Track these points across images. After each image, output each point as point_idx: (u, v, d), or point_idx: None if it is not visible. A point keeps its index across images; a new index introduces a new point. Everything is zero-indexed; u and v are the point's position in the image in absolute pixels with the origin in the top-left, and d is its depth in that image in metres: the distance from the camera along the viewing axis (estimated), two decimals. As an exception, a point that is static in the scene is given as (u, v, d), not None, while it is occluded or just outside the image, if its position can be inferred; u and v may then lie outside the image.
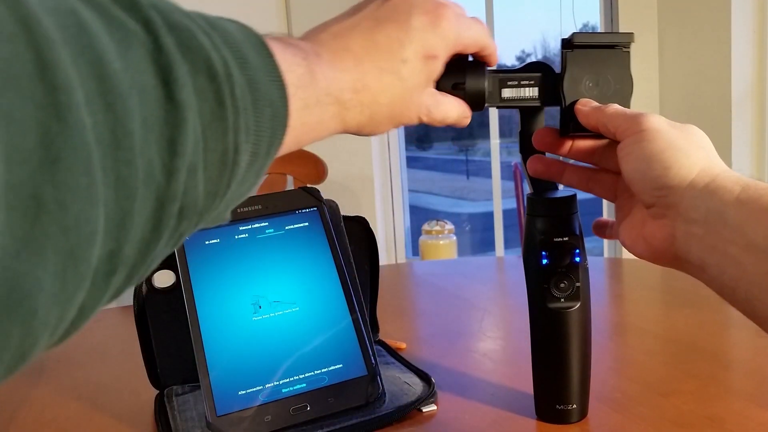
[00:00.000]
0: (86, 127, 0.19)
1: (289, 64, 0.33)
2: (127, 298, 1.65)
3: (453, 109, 0.44)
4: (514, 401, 0.59)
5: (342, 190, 1.93)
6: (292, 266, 0.58)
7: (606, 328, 0.74)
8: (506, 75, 0.47)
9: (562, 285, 0.49)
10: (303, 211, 0.61)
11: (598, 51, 0.48)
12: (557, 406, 0.53)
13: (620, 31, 1.87)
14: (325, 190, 0.64)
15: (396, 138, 2.05)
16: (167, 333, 0.60)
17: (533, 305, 0.52)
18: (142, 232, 0.22)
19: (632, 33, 0.48)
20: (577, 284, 0.50)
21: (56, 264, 0.19)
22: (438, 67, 0.41)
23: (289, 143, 0.33)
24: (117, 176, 0.20)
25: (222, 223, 0.30)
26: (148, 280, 0.60)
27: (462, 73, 0.44)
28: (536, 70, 0.48)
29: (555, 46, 2.30)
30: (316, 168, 1.79)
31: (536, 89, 0.47)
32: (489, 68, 0.46)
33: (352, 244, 0.63)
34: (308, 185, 0.64)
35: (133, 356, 0.64)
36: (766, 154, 1.84)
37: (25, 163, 0.17)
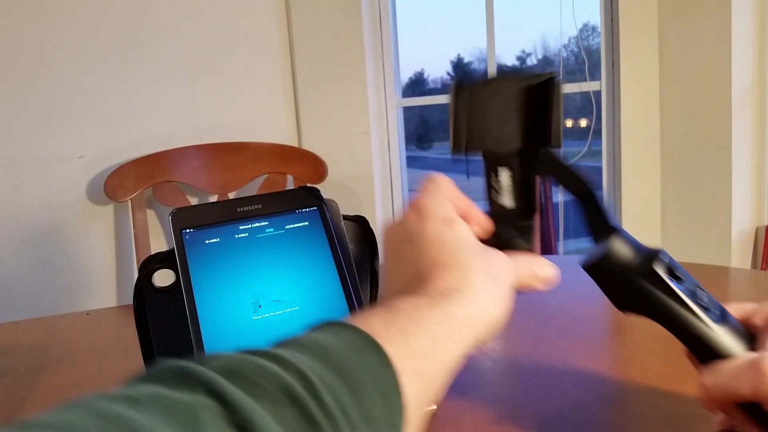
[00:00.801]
0: None
1: (373, 322, 0.32)
2: (127, 297, 1.65)
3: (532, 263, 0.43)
4: (514, 401, 0.59)
5: (342, 190, 1.93)
6: (292, 266, 0.58)
7: (606, 328, 0.74)
8: (491, 192, 0.46)
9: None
10: (303, 210, 0.61)
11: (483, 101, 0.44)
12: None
13: (621, 33, 1.87)
14: (326, 189, 0.64)
15: (396, 138, 2.05)
16: (167, 332, 0.60)
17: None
18: None
19: (453, 82, 0.45)
20: None
21: None
22: (462, 224, 0.41)
23: (417, 393, 0.31)
24: None
25: None
26: (148, 280, 0.60)
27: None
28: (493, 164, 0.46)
29: (555, 46, 2.30)
30: (316, 168, 1.80)
31: (509, 170, 0.46)
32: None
33: (353, 244, 0.63)
34: (308, 185, 0.64)
35: (133, 355, 0.64)
36: (766, 154, 1.84)
37: None
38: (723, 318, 0.44)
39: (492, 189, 0.46)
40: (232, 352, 0.27)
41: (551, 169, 0.47)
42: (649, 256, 0.44)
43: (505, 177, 0.45)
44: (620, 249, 0.44)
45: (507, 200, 0.46)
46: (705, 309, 0.43)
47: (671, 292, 0.43)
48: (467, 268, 0.39)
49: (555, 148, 0.43)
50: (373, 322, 0.32)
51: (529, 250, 0.45)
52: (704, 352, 0.43)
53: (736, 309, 0.45)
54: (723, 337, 0.43)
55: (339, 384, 0.27)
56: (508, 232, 0.45)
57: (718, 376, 0.42)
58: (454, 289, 0.37)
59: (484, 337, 0.38)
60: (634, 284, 0.44)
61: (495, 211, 0.46)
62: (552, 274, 0.44)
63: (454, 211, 0.42)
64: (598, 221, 0.46)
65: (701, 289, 0.45)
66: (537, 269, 0.43)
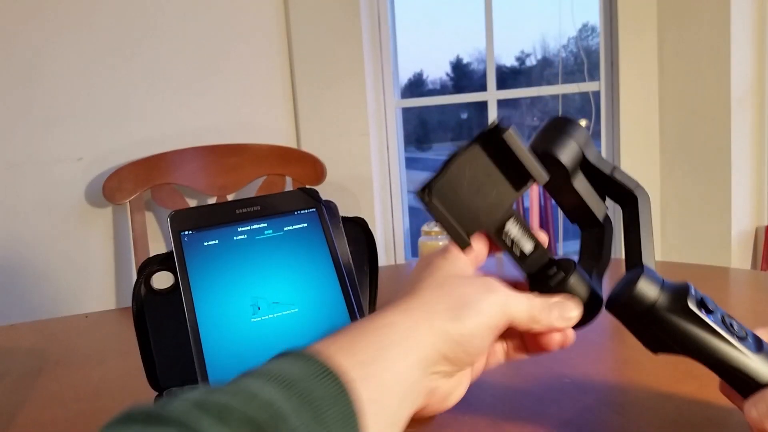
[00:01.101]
0: None
1: (325, 343, 0.35)
2: (126, 299, 1.64)
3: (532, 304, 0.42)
4: (513, 402, 0.58)
5: (341, 192, 1.93)
6: (291, 267, 0.58)
7: (606, 329, 0.74)
8: (510, 249, 0.45)
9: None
10: (302, 212, 0.61)
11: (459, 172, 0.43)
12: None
13: (620, 33, 1.87)
14: (324, 191, 0.64)
15: (395, 139, 2.05)
16: (166, 334, 0.60)
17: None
18: None
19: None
20: None
21: None
22: (451, 256, 0.42)
23: (373, 399, 0.33)
24: None
25: None
26: (147, 282, 0.59)
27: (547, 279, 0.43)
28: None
29: (554, 47, 2.30)
30: (315, 169, 1.79)
31: (512, 219, 0.44)
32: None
33: (351, 245, 0.63)
34: (307, 186, 0.64)
35: (131, 358, 0.63)
36: (766, 154, 1.84)
37: None
38: (759, 345, 0.43)
39: (509, 246, 0.44)
40: (198, 389, 0.29)
41: (592, 180, 0.46)
42: (679, 291, 0.43)
43: (512, 227, 0.44)
44: (645, 287, 0.42)
45: (526, 246, 0.44)
46: (741, 339, 0.42)
47: (708, 327, 0.42)
48: (421, 282, 0.40)
49: (540, 183, 0.43)
50: (324, 344, 0.35)
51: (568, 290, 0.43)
52: (746, 384, 0.42)
53: (764, 334, 0.45)
54: (763, 366, 0.42)
55: (302, 409, 0.29)
56: (542, 277, 0.43)
57: (763, 406, 0.41)
58: (399, 300, 0.39)
59: (446, 352, 0.37)
60: (667, 323, 0.42)
61: (523, 263, 0.44)
62: (569, 317, 0.42)
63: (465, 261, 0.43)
64: (632, 248, 0.45)
65: (731, 317, 0.43)
66: (556, 310, 0.42)
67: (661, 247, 1.92)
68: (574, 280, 0.42)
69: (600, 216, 0.46)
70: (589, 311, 0.43)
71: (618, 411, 0.56)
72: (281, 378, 0.30)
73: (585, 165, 0.45)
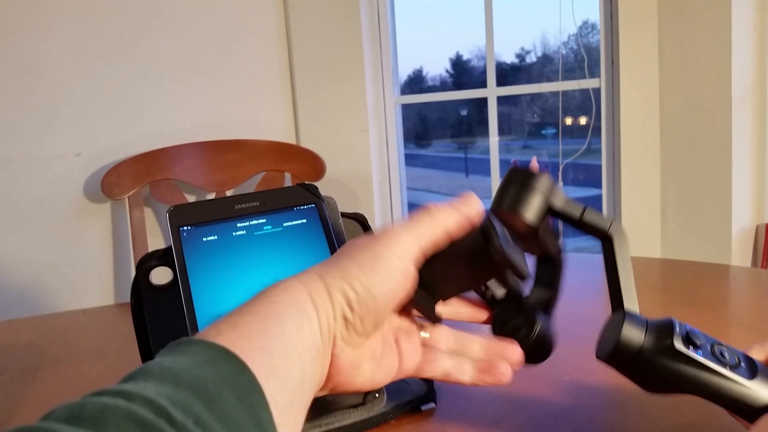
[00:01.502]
0: None
1: (214, 327, 0.34)
2: (125, 295, 1.64)
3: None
4: (513, 400, 0.58)
5: (340, 188, 1.93)
6: (290, 263, 0.58)
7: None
8: (486, 297, 0.47)
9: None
10: (301, 207, 0.61)
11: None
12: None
13: (620, 30, 1.86)
14: (324, 187, 0.64)
15: (394, 135, 2.05)
16: (164, 330, 0.60)
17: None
18: None
19: None
20: None
21: None
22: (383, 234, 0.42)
23: (268, 370, 0.32)
24: None
25: None
26: (146, 278, 0.59)
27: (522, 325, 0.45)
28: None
29: (554, 44, 2.30)
30: (314, 165, 1.79)
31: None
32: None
33: (351, 242, 0.62)
34: (306, 182, 0.63)
35: (130, 353, 0.63)
36: (766, 154, 1.84)
37: None
38: (753, 370, 0.42)
39: (482, 292, 0.46)
40: (77, 399, 0.28)
41: (564, 222, 0.46)
42: (663, 331, 0.42)
43: (491, 283, 0.46)
44: (630, 334, 0.42)
45: (498, 292, 0.46)
46: (733, 368, 0.42)
47: (697, 364, 0.42)
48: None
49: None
50: (214, 328, 0.34)
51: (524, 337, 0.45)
52: (747, 412, 0.42)
53: (759, 351, 0.44)
54: (760, 390, 0.42)
55: (191, 399, 0.28)
56: (508, 327, 0.45)
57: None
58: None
59: (345, 308, 0.38)
60: (657, 366, 0.42)
61: (491, 303, 0.47)
62: (503, 370, 0.45)
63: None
64: (612, 290, 0.45)
65: (720, 344, 0.43)
66: (501, 351, 0.45)
67: (662, 245, 1.91)
68: (535, 337, 0.45)
69: (554, 253, 0.47)
70: (543, 354, 0.46)
71: (618, 409, 0.55)
72: (168, 372, 0.30)
73: (553, 211, 0.45)
